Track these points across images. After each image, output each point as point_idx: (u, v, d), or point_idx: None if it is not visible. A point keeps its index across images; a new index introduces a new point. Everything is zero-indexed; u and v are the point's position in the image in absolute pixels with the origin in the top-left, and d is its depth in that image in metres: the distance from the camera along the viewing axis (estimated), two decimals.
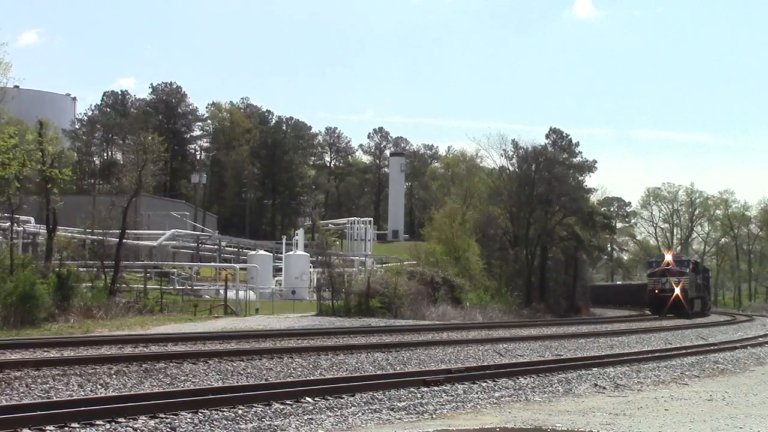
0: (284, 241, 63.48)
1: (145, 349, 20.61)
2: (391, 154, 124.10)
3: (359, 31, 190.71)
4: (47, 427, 10.17)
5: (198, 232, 67.20)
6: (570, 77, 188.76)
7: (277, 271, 59.61)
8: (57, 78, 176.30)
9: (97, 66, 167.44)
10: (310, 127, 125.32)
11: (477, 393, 14.98)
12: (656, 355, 23.95)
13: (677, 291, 57.84)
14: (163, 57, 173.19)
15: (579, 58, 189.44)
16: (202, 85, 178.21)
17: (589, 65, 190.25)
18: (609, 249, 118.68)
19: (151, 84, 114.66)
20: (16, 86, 61.94)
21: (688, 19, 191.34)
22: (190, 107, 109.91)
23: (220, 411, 11.78)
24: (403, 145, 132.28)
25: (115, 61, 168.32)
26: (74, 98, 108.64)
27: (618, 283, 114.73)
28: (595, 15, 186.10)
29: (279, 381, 15.15)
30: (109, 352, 19.38)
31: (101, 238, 45.11)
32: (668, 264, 60.31)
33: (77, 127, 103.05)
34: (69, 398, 12.42)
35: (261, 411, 12.08)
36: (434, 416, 12.53)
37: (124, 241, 43.63)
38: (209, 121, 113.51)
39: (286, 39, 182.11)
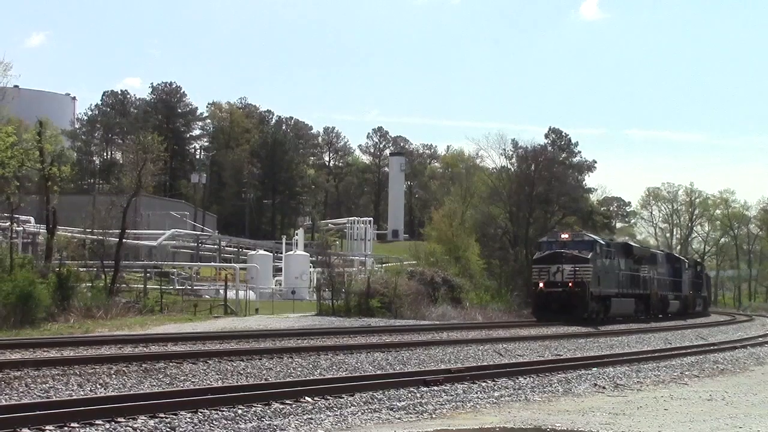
0: (284, 241, 63.46)
1: (144, 349, 20.60)
2: (391, 154, 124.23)
3: (360, 31, 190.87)
4: (47, 427, 10.17)
5: (198, 232, 67.19)
6: (572, 78, 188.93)
7: (277, 270, 59.58)
8: (63, 79, 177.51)
9: (102, 66, 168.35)
10: (310, 127, 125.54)
11: (477, 393, 14.98)
12: (656, 354, 23.98)
13: (571, 284, 40.48)
14: (166, 57, 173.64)
15: (582, 60, 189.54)
16: (205, 85, 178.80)
17: (591, 66, 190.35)
18: None
19: (151, 83, 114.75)
20: (16, 86, 62.08)
21: (690, 20, 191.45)
22: (190, 107, 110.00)
23: (220, 411, 11.78)
24: (402, 144, 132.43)
25: (120, 61, 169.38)
26: (74, 98, 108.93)
27: None
28: (600, 17, 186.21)
29: (278, 381, 15.15)
30: (108, 352, 19.36)
31: (101, 237, 45.08)
32: (564, 244, 42.29)
33: (77, 126, 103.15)
34: (68, 398, 12.42)
35: (260, 411, 12.08)
36: (434, 416, 12.52)
37: (124, 240, 43.62)
38: (209, 121, 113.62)
39: (287, 40, 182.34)
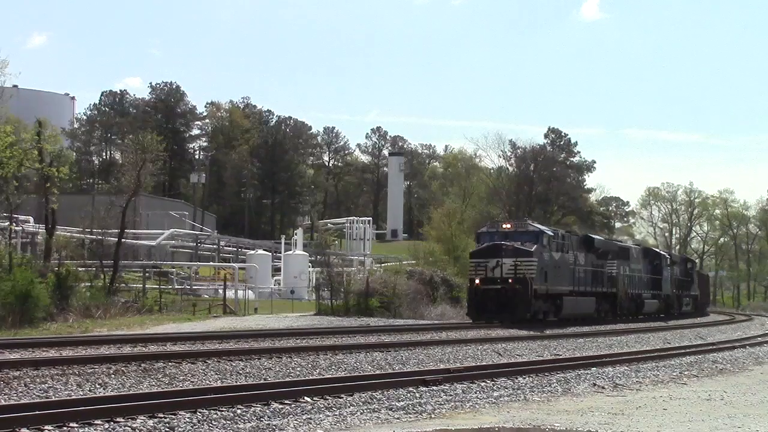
0: (283, 241, 63.56)
1: (143, 348, 20.59)
2: (390, 154, 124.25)
3: (360, 31, 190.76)
4: (46, 427, 10.16)
5: (197, 232, 67.25)
6: (572, 78, 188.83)
7: (276, 270, 59.63)
8: (64, 79, 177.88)
9: (104, 67, 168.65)
10: (309, 127, 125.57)
11: (476, 393, 14.98)
12: (655, 354, 23.97)
13: (511, 280, 35.58)
14: (167, 57, 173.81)
15: (582, 60, 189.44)
16: (205, 85, 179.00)
17: (591, 66, 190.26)
18: None
19: (150, 83, 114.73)
20: (15, 86, 62.06)
21: (690, 20, 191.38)
22: (189, 106, 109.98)
23: (219, 410, 11.77)
24: (401, 144, 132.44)
25: (121, 61, 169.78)
26: (73, 98, 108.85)
27: None
28: (601, 17, 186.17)
29: (278, 381, 15.14)
30: (107, 352, 19.36)
31: (100, 237, 45.11)
32: (505, 235, 37.30)
33: (76, 126, 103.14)
34: (67, 398, 12.41)
35: (260, 410, 12.07)
36: (433, 416, 12.52)
37: (123, 240, 43.62)
38: (208, 121, 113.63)
39: (287, 40, 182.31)
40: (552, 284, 37.80)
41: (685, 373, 20.08)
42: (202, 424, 10.95)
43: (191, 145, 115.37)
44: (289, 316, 39.58)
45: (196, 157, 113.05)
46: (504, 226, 38.65)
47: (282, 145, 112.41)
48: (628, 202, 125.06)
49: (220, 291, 43.95)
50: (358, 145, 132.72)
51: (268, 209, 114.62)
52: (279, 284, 57.07)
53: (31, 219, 50.10)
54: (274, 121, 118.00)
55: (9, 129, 37.32)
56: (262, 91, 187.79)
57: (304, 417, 11.83)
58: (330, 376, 16.47)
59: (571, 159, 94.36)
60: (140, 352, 19.41)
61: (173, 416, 11.26)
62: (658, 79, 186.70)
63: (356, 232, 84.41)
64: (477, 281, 36.64)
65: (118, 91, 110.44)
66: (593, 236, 46.50)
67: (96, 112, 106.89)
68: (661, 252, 58.61)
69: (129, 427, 10.56)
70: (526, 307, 35.62)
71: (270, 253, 60.66)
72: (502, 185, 75.11)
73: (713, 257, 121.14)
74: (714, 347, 28.00)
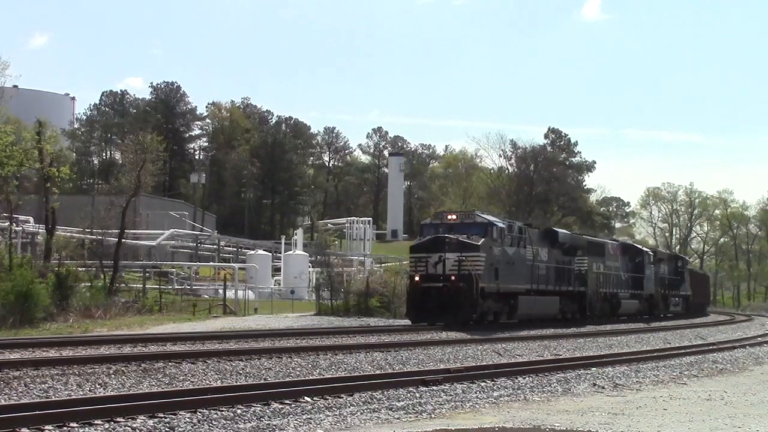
0: (283, 241, 63.58)
1: (143, 348, 20.58)
2: (390, 154, 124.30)
3: (360, 31, 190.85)
4: (46, 427, 10.15)
5: (197, 232, 67.27)
6: (573, 78, 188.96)
7: (276, 270, 59.65)
8: (66, 80, 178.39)
9: (105, 67, 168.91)
10: (309, 127, 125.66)
11: (476, 393, 14.97)
12: (655, 354, 23.96)
13: (454, 277, 31.75)
14: (168, 57, 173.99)
15: (583, 60, 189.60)
16: (206, 85, 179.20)
17: (592, 67, 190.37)
18: None
19: (151, 83, 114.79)
20: (15, 86, 62.13)
21: (691, 21, 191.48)
22: (189, 106, 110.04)
23: (219, 410, 11.76)
24: (400, 144, 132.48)
25: (122, 61, 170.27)
26: (73, 98, 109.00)
27: None
28: (602, 18, 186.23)
29: (278, 381, 15.14)
30: (107, 352, 19.35)
31: (100, 237, 45.13)
32: (450, 228, 33.39)
33: (76, 126, 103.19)
34: (68, 398, 12.40)
35: (260, 410, 12.06)
36: (433, 416, 12.52)
37: (123, 240, 43.63)
38: (208, 121, 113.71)
39: (287, 40, 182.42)
40: (504, 282, 33.91)
41: (686, 373, 20.08)
42: (202, 424, 10.95)
43: (191, 145, 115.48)
44: (289, 316, 39.59)
45: (196, 157, 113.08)
46: (449, 217, 34.64)
47: (282, 145, 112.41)
48: (628, 203, 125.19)
49: (220, 291, 43.96)
50: (359, 146, 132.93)
51: (268, 209, 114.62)
52: (279, 284, 57.09)
53: (31, 219, 50.11)
54: (274, 121, 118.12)
55: (9, 129, 37.34)
56: (262, 91, 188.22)
57: (304, 417, 11.83)
58: (330, 376, 16.47)
59: (572, 159, 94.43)
60: (140, 352, 19.40)
61: (173, 416, 11.26)
62: (658, 79, 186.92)
63: (356, 233, 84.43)
64: (417, 278, 32.83)
65: (119, 92, 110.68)
66: (557, 230, 42.32)
67: (96, 112, 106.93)
68: (644, 248, 54.68)
69: (129, 427, 10.56)
70: (471, 308, 31.98)
71: (270, 254, 60.70)
72: (502, 185, 75.10)
73: (713, 257, 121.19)
74: (714, 347, 28.00)
